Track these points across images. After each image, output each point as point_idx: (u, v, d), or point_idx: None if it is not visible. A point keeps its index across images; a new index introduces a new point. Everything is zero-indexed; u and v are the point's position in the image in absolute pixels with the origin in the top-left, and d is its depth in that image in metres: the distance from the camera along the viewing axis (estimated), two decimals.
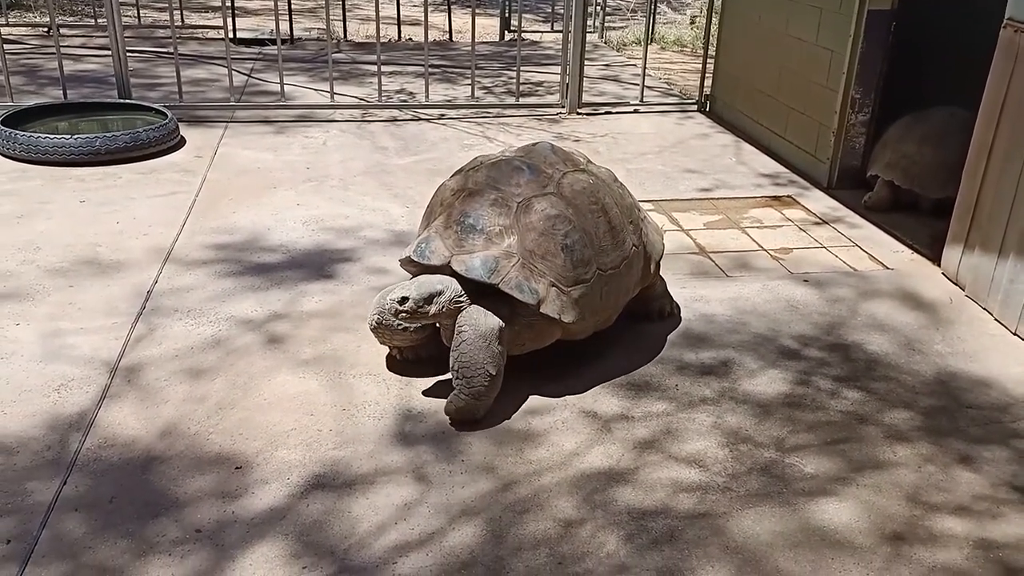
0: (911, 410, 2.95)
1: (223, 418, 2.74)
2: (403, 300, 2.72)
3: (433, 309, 2.75)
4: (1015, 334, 3.46)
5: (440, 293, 2.77)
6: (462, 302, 2.79)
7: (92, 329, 3.21)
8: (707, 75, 6.67)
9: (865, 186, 4.86)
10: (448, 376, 2.77)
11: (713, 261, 4.04)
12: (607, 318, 3.09)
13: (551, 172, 3.01)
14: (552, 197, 2.92)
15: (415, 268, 2.95)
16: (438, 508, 2.40)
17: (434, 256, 2.85)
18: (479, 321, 2.74)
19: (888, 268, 4.05)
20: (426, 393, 2.92)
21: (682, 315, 3.51)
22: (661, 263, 3.36)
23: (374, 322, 2.92)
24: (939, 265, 4.02)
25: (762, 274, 3.93)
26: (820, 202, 4.87)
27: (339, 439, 2.67)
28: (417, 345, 3.01)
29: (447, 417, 2.76)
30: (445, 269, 2.83)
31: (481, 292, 2.81)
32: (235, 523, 2.31)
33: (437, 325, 2.90)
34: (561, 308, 2.84)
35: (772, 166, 5.47)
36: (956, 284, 3.87)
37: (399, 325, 2.86)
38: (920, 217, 4.56)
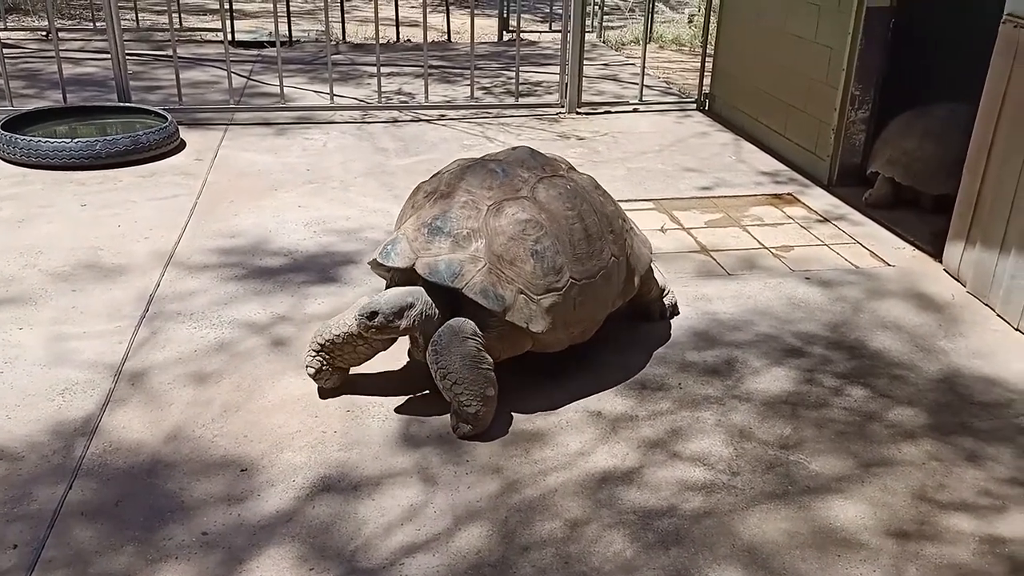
0: (916, 407, 2.95)
1: (228, 421, 2.74)
2: (372, 315, 2.62)
3: (403, 323, 2.67)
4: (1017, 330, 3.46)
5: (411, 306, 2.68)
6: (432, 314, 2.71)
7: (95, 333, 3.21)
8: (706, 73, 6.67)
9: (866, 183, 4.86)
10: None
11: (715, 260, 4.04)
12: (583, 331, 2.97)
13: (527, 176, 2.92)
14: (524, 201, 2.83)
15: (383, 270, 2.89)
16: (445, 509, 2.40)
17: (398, 258, 2.75)
18: (457, 349, 2.63)
19: (890, 265, 4.05)
20: (431, 395, 2.91)
21: (685, 314, 3.51)
22: (659, 269, 3.33)
23: (320, 343, 2.79)
24: (941, 262, 4.02)
25: (764, 272, 3.93)
26: (821, 199, 4.87)
27: (344, 441, 2.67)
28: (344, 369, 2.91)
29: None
30: (410, 272, 2.75)
31: (452, 303, 2.74)
32: (242, 526, 2.31)
33: (418, 336, 2.78)
34: (529, 317, 2.74)
35: (772, 164, 5.47)
36: (958, 280, 3.87)
37: (344, 341, 2.75)
38: (921, 214, 4.57)
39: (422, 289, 2.74)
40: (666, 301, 3.44)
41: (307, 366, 2.83)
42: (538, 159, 3.05)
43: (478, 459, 2.62)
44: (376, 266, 2.88)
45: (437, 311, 2.73)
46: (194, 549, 2.23)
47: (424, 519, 2.36)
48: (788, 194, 4.95)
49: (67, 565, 2.16)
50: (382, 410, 2.83)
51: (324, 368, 2.82)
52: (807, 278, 3.87)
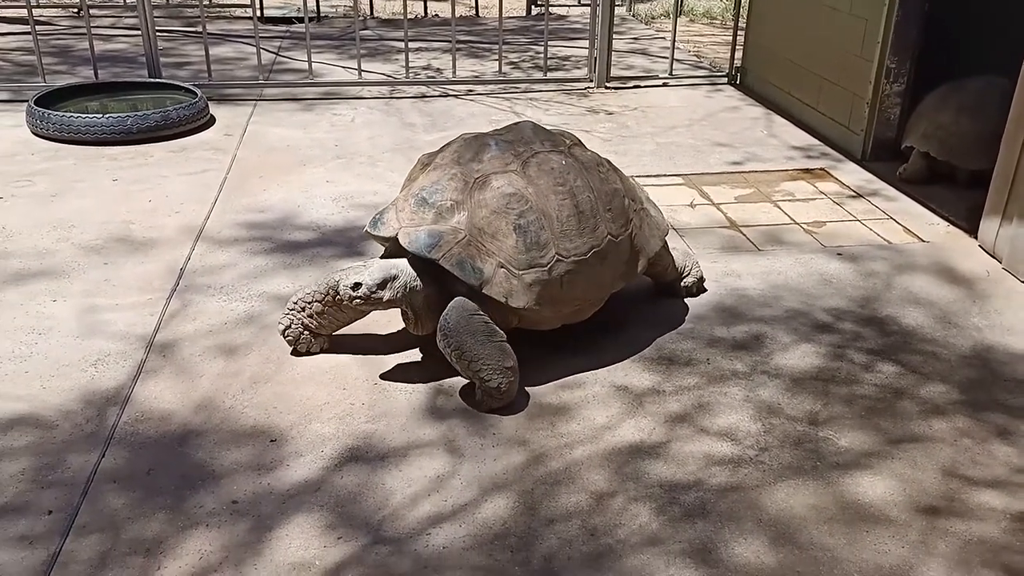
0: (947, 383, 2.91)
1: (257, 392, 2.77)
2: (356, 286, 2.66)
3: (387, 295, 2.69)
4: None
5: (395, 278, 2.69)
6: (416, 287, 2.72)
7: (127, 305, 3.25)
8: (737, 47, 6.58)
9: (900, 158, 4.77)
10: None
11: (744, 235, 4.00)
12: (576, 310, 2.93)
13: (522, 150, 2.87)
14: (512, 175, 2.79)
15: (381, 240, 2.90)
16: (471, 481, 2.42)
17: (384, 228, 2.79)
18: (465, 327, 2.63)
19: (924, 241, 3.99)
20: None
21: (713, 290, 3.48)
22: (686, 247, 3.29)
23: (294, 301, 2.88)
24: (976, 238, 3.95)
25: (795, 248, 3.88)
26: (854, 175, 4.80)
27: (372, 413, 2.69)
28: (325, 334, 2.96)
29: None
30: (398, 243, 2.77)
31: (437, 276, 2.73)
32: (271, 495, 2.34)
33: (406, 308, 2.80)
34: (509, 291, 2.71)
35: (804, 138, 5.39)
36: (993, 257, 3.80)
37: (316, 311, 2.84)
38: (957, 189, 4.48)
39: (406, 261, 2.75)
40: (688, 281, 3.38)
41: (278, 323, 2.91)
42: (539, 134, 2.99)
43: (504, 432, 2.63)
44: (372, 236, 2.90)
45: (420, 283, 2.73)
46: (224, 517, 2.26)
47: (450, 490, 2.38)
48: (820, 169, 4.88)
49: (100, 531, 2.20)
50: (408, 383, 2.84)
51: (294, 326, 2.89)
52: (839, 254, 3.82)
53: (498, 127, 3.14)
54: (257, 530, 2.22)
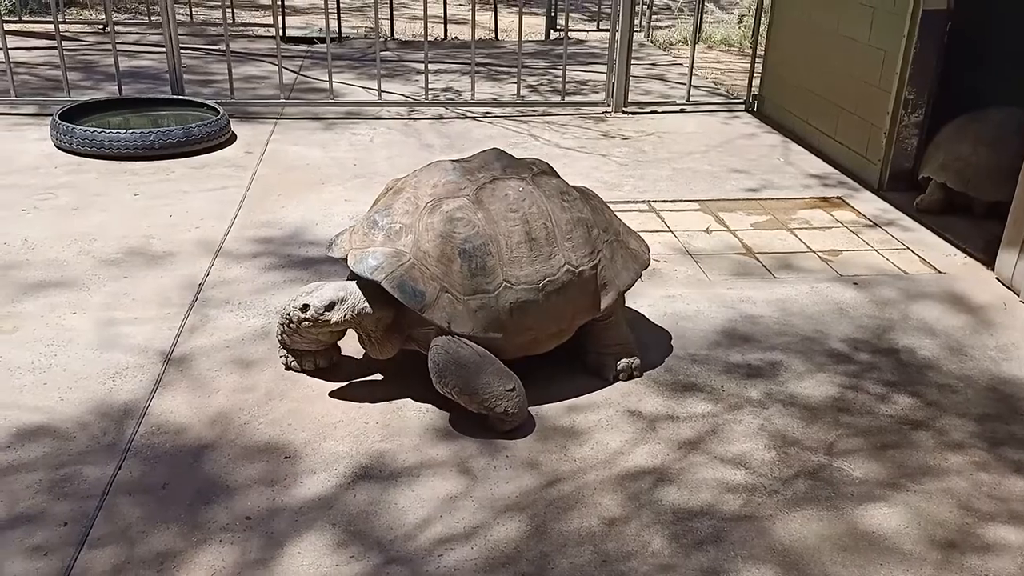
0: (963, 416, 2.89)
1: (272, 408, 2.79)
2: (305, 307, 2.71)
3: (335, 317, 2.70)
4: None
5: (342, 300, 2.70)
6: (364, 308, 2.72)
7: (145, 319, 3.28)
8: (755, 75, 6.61)
9: (917, 188, 4.77)
10: None
11: (760, 262, 4.01)
12: (532, 340, 2.83)
13: (481, 176, 2.85)
14: (462, 199, 2.76)
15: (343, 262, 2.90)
16: (482, 502, 2.42)
17: (337, 249, 2.85)
18: (455, 361, 2.63)
19: (940, 272, 3.98)
20: None
21: (728, 316, 3.48)
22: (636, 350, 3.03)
23: (278, 331, 2.91)
24: (993, 270, 3.94)
25: (810, 276, 3.88)
26: (870, 204, 4.80)
27: (385, 431, 2.70)
28: (318, 353, 2.97)
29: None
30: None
31: (390, 299, 2.70)
32: (284, 511, 2.35)
33: (365, 333, 2.81)
34: (452, 317, 2.66)
35: (821, 167, 5.40)
36: (1010, 289, 3.78)
37: (296, 329, 2.82)
38: (974, 220, 4.48)
39: (355, 284, 2.76)
40: (622, 364, 3.00)
41: (279, 356, 3.00)
42: (503, 161, 2.97)
43: (516, 454, 2.63)
44: (328, 257, 2.94)
45: (370, 306, 2.72)
46: (237, 532, 2.27)
47: (462, 511, 2.38)
48: (837, 198, 4.88)
49: (115, 543, 2.22)
50: (421, 402, 2.85)
51: (289, 351, 2.95)
52: (855, 283, 3.82)
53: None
54: (270, 547, 2.23)
